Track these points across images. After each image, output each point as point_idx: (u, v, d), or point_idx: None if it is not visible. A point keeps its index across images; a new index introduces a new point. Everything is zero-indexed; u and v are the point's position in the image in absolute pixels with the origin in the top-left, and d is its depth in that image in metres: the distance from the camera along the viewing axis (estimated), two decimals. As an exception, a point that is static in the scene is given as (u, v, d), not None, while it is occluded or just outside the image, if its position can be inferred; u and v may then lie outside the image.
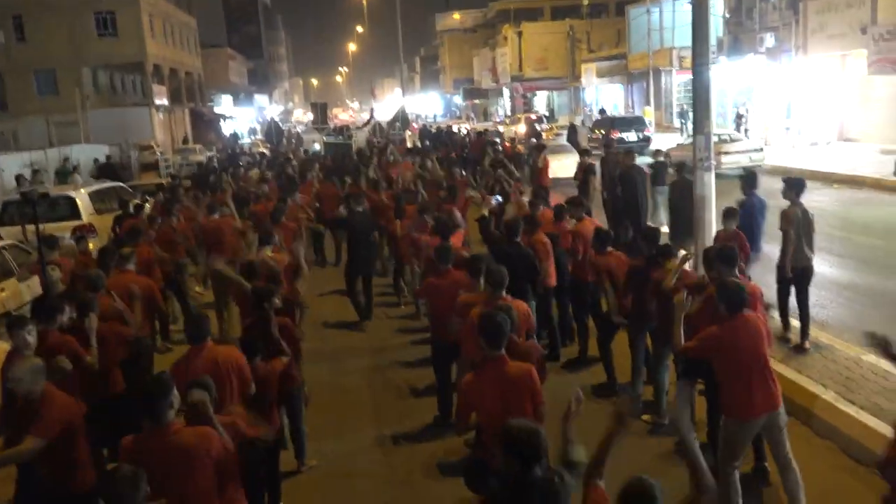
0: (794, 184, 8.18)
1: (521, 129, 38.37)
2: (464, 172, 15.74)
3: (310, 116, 43.62)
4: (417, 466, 6.61)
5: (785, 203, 8.15)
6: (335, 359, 9.33)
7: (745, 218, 8.50)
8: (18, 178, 20.52)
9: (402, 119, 31.74)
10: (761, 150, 22.53)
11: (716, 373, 5.12)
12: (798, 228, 7.92)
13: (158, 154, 33.47)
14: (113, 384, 6.27)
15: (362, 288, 10.70)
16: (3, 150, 30.44)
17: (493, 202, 9.78)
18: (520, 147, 22.08)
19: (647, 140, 29.81)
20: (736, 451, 5.18)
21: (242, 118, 65.55)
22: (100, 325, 6.16)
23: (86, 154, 28.57)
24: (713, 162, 8.91)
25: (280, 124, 40.67)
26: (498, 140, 25.24)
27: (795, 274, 7.90)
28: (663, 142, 28.93)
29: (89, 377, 6.00)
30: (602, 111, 40.36)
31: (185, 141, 47.33)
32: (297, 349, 6.25)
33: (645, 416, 6.94)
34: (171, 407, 3.97)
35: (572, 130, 29.36)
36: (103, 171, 25.13)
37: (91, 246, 10.91)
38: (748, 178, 9.12)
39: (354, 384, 8.57)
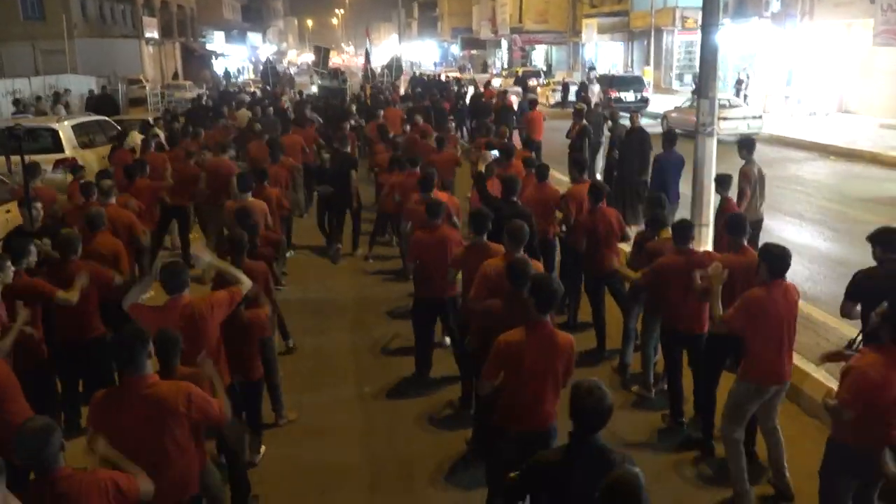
0: (747, 143, 8.80)
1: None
2: (458, 126, 15.61)
3: (304, 58, 43.06)
4: (398, 421, 6.51)
5: (740, 161, 8.73)
6: (317, 310, 9.17)
7: (661, 172, 10.15)
8: (17, 102, 20.12)
9: (395, 67, 31.41)
10: (760, 117, 22.26)
11: (745, 337, 5.00)
12: (754, 185, 8.56)
13: (147, 89, 32.71)
14: (90, 328, 6.09)
15: (336, 223, 11.10)
16: (-13, 76, 29.70)
17: (491, 156, 9.47)
18: (510, 100, 21.79)
19: (644, 101, 29.45)
20: (744, 415, 5.18)
21: (235, 56, 64.16)
22: (83, 264, 6.02)
23: (72, 85, 27.86)
24: (715, 127, 8.67)
25: (276, 66, 40.01)
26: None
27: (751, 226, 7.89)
28: (661, 103, 28.60)
29: (65, 316, 5.89)
30: (591, 68, 39.69)
31: (175, 77, 46.29)
32: (270, 296, 6.14)
33: (634, 388, 6.85)
34: (150, 357, 3.84)
35: (582, 87, 27.90)
36: (99, 102, 24.52)
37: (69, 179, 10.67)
38: (668, 135, 10.84)
39: (335, 338, 8.41)
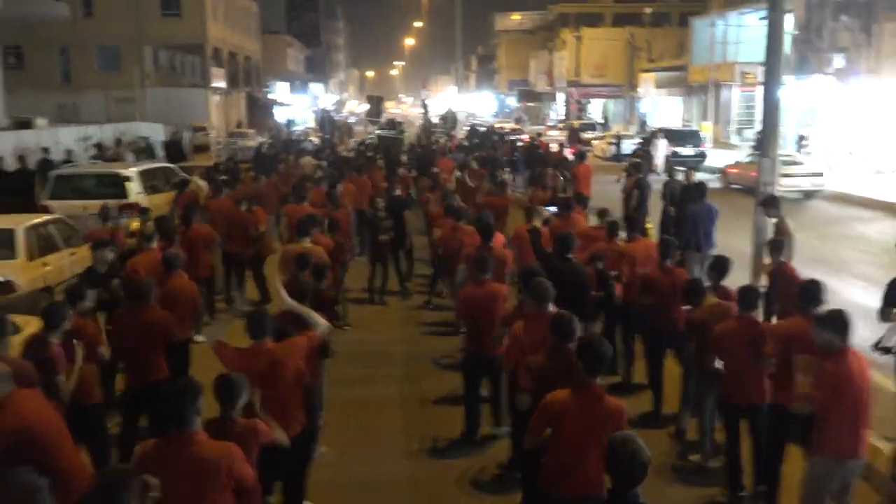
0: (771, 200, 8.59)
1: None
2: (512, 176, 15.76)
3: (363, 108, 44.25)
4: (443, 480, 6.36)
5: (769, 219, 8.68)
6: (367, 360, 9.13)
7: (693, 224, 10.30)
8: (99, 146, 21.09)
9: (450, 118, 32.12)
10: (822, 174, 21.74)
11: (821, 409, 4.75)
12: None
13: (212, 136, 33.83)
14: (154, 370, 6.17)
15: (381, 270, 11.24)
16: (64, 122, 31.08)
17: (546, 212, 9.38)
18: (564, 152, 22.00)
19: (702, 156, 29.09)
20: (825, 495, 4.85)
21: (297, 105, 65.99)
22: (156, 309, 6.25)
23: (141, 132, 28.99)
24: (778, 187, 8.46)
25: (332, 115, 41.11)
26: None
27: None
28: (720, 158, 28.22)
29: (129, 358, 6.12)
30: (643, 122, 39.34)
31: (240, 125, 47.79)
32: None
33: (692, 457, 6.53)
34: (198, 414, 3.78)
35: (646, 142, 26.97)
36: (169, 148, 25.82)
37: (134, 225, 11.05)
38: (698, 186, 11.11)
39: (384, 390, 8.34)
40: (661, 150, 25.17)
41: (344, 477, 6.35)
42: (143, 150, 23.93)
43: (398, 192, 12.59)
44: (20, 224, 10.12)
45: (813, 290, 5.49)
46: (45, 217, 11.06)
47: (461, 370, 7.19)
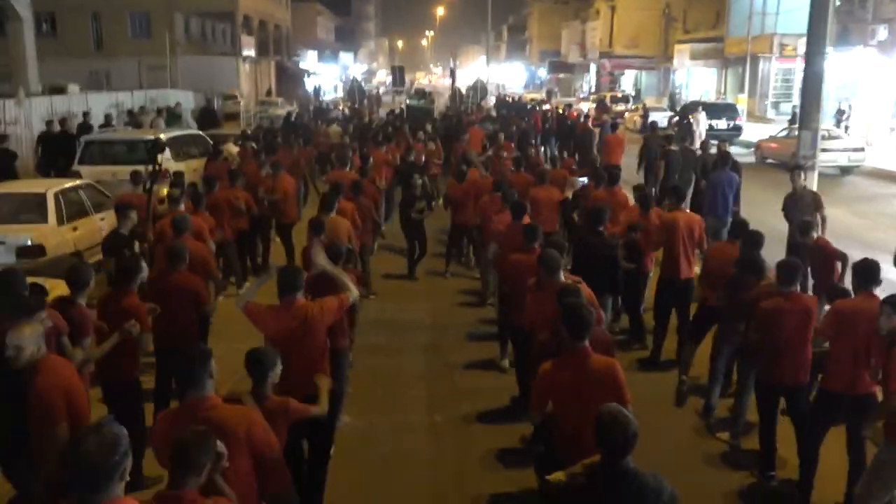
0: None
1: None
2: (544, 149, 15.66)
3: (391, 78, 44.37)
4: (467, 454, 6.31)
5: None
6: (392, 330, 9.10)
7: (713, 191, 10.67)
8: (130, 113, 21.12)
9: (480, 88, 32.04)
10: (862, 149, 21.18)
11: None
12: None
13: (241, 104, 33.89)
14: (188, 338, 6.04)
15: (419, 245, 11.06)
16: (96, 88, 31.29)
17: (578, 183, 9.17)
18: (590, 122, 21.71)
19: (738, 129, 28.49)
20: (890, 487, 4.67)
21: (326, 75, 65.78)
22: (180, 274, 6.23)
23: (171, 100, 29.10)
24: (817, 161, 8.20)
25: (363, 85, 41.09)
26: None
27: None
28: (755, 132, 27.62)
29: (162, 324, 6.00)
30: (672, 95, 38.42)
31: (269, 93, 47.72)
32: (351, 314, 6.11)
33: (721, 435, 6.34)
34: (211, 377, 3.76)
35: (684, 115, 25.89)
36: (202, 115, 26.11)
37: (164, 191, 11.06)
38: (723, 156, 11.42)
39: (408, 360, 8.29)
40: (703, 123, 24.12)
41: (366, 451, 6.32)
42: (178, 118, 24.08)
43: (413, 158, 13.33)
44: (51, 188, 10.19)
45: (872, 269, 5.24)
46: (76, 182, 11.12)
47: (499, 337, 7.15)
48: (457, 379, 7.80)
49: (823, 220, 8.48)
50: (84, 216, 10.48)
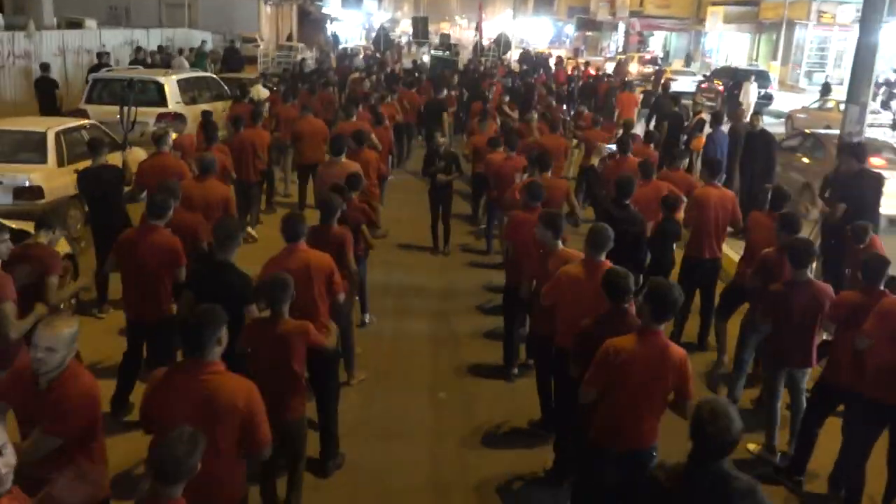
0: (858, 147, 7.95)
1: (633, 68, 36.19)
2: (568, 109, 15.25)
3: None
4: (471, 434, 5.97)
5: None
6: (399, 296, 8.72)
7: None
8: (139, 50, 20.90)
9: (503, 43, 31.44)
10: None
11: None
12: None
13: (259, 48, 33.22)
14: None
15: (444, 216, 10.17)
16: (115, 24, 30.67)
17: (606, 150, 8.61)
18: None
19: (769, 98, 27.49)
20: None
21: (349, 21, 64.49)
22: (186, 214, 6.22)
23: (187, 41, 28.46)
24: (864, 137, 7.64)
25: (389, 34, 40.36)
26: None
27: None
28: (787, 102, 26.71)
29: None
30: (689, 59, 36.81)
31: (290, 38, 46.82)
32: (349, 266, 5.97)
33: (750, 445, 5.71)
34: (219, 344, 3.54)
35: (735, 85, 23.68)
36: (227, 56, 25.78)
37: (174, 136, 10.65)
38: (716, 115, 11.90)
39: (415, 327, 7.93)
40: (753, 95, 22.22)
41: (367, 426, 5.99)
42: (204, 56, 23.77)
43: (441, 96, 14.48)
44: (51, 127, 9.76)
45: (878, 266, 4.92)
46: (78, 122, 10.68)
47: (503, 305, 6.83)
48: (463, 348, 7.43)
49: None
50: (86, 158, 10.07)
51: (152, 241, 5.50)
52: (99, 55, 18.82)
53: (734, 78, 25.64)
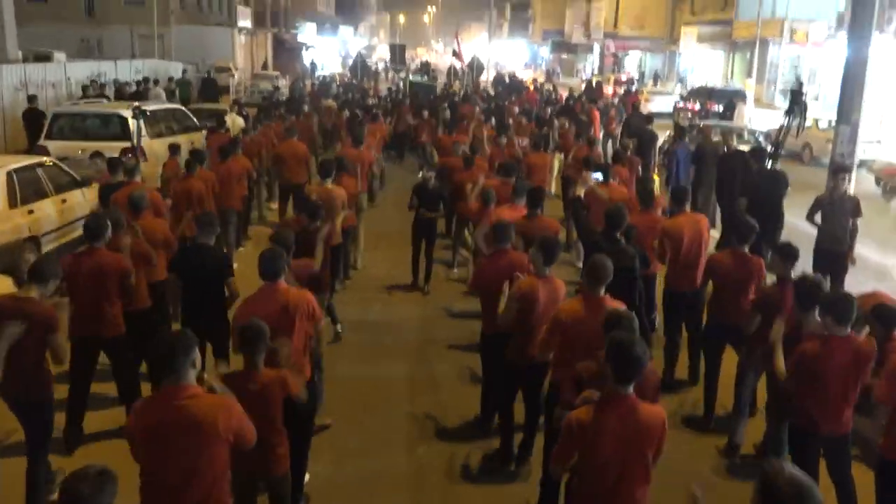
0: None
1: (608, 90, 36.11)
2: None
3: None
4: (449, 471, 5.54)
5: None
6: (376, 331, 8.27)
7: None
8: (88, 86, 20.23)
9: (476, 66, 31.65)
10: (879, 141, 20.26)
11: None
12: None
13: (232, 78, 32.91)
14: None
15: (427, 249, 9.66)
16: (86, 57, 30.20)
17: (592, 179, 8.24)
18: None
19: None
20: None
21: (325, 49, 64.35)
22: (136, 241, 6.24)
23: (160, 71, 28.02)
24: (855, 160, 7.32)
25: (366, 61, 40.42)
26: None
27: None
28: (763, 120, 26.62)
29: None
30: (681, 80, 37.13)
31: (265, 67, 46.60)
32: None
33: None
34: (193, 367, 3.53)
35: (728, 106, 23.36)
36: (204, 87, 25.67)
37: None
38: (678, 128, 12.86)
39: (391, 368, 7.45)
40: (746, 118, 22.05)
41: (341, 491, 5.47)
42: (188, 85, 23.55)
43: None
44: (2, 166, 9.22)
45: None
46: (32, 160, 10.14)
47: (480, 349, 6.23)
48: (441, 394, 6.95)
49: (855, 228, 7.63)
50: (43, 197, 9.57)
51: (92, 262, 5.57)
52: (30, 98, 17.37)
53: (711, 98, 25.59)
